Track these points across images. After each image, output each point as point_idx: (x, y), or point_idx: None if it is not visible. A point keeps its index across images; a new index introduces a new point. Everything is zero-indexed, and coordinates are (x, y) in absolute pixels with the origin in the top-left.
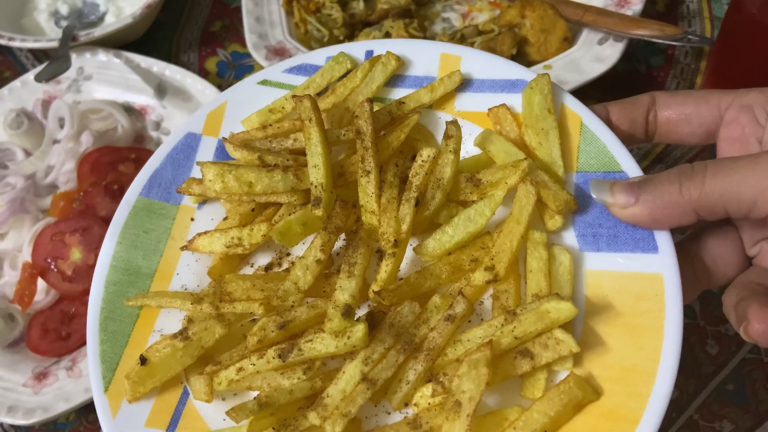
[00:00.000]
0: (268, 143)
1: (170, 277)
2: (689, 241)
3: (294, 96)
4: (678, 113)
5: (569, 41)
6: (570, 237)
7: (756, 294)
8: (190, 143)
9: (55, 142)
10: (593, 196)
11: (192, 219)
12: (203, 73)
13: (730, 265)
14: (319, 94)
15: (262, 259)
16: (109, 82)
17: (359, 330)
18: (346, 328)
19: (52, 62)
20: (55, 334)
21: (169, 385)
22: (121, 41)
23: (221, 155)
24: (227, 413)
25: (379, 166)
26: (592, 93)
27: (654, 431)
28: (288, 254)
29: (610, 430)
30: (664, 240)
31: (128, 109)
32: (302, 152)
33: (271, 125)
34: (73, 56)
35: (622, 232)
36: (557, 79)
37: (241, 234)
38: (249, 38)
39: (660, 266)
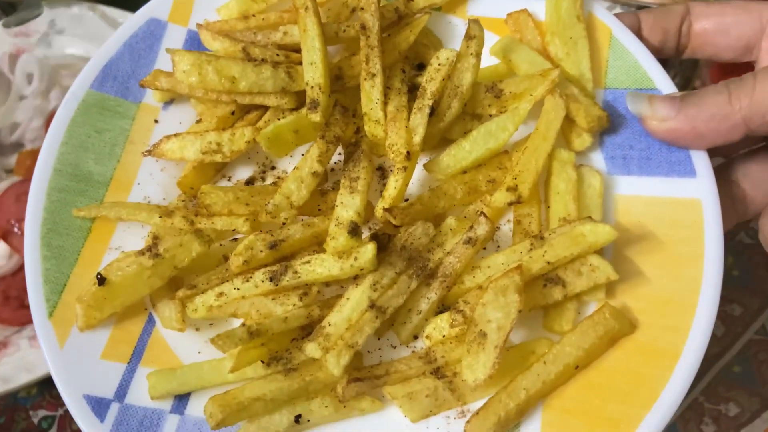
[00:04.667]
0: (252, 35)
1: (129, 187)
2: (726, 166)
3: None
4: (715, 23)
5: None
6: (597, 159)
7: None
8: (153, 31)
9: (22, 98)
10: (630, 107)
11: (156, 121)
12: None
13: None
14: None
15: (242, 173)
16: (83, 36)
17: (368, 250)
18: (353, 248)
19: (22, 8)
20: (17, 301)
21: (131, 311)
22: None
23: (192, 48)
24: (212, 341)
25: (384, 70)
26: None
27: (696, 367)
28: (272, 167)
29: (646, 365)
30: (701, 163)
31: None
32: (293, 48)
33: (254, 15)
34: (45, 9)
35: (656, 154)
36: None
37: (221, 138)
38: None
39: (698, 191)
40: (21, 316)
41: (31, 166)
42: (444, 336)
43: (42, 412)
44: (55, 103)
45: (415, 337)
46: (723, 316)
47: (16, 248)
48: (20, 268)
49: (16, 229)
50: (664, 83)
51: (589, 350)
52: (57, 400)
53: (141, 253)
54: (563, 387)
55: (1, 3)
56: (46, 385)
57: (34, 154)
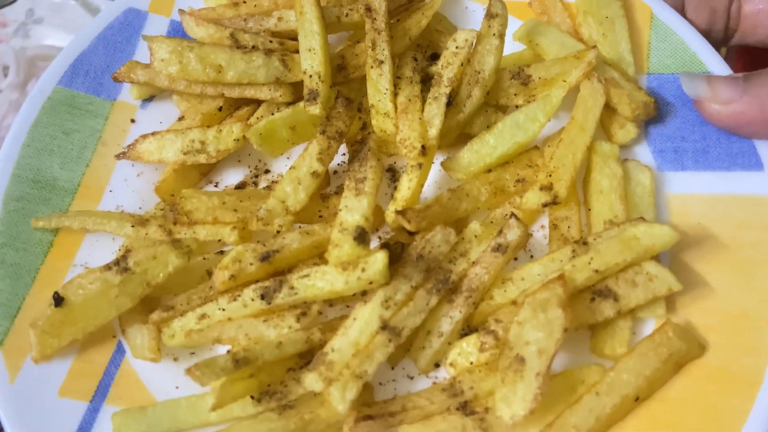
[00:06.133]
0: (242, 23)
1: (100, 195)
2: None
3: None
4: None
5: None
6: (644, 153)
7: None
8: (131, 22)
9: None
10: (685, 89)
11: (132, 120)
12: None
13: None
14: None
15: (230, 177)
16: (63, 27)
17: (378, 260)
18: (359, 258)
19: None
20: None
21: (95, 339)
22: None
23: None
24: (188, 372)
25: (394, 59)
26: None
27: None
28: (267, 170)
29: (721, 394)
30: None
31: None
32: (288, 36)
33: (244, 2)
34: None
35: (714, 145)
36: None
37: (206, 136)
38: None
39: (767, 186)
40: None
41: None
42: (472, 363)
43: None
44: None
45: (437, 365)
46: None
47: None
48: None
49: None
50: (718, 66)
51: (651, 378)
52: None
53: (107, 267)
54: (621, 423)
55: None
56: None
57: None
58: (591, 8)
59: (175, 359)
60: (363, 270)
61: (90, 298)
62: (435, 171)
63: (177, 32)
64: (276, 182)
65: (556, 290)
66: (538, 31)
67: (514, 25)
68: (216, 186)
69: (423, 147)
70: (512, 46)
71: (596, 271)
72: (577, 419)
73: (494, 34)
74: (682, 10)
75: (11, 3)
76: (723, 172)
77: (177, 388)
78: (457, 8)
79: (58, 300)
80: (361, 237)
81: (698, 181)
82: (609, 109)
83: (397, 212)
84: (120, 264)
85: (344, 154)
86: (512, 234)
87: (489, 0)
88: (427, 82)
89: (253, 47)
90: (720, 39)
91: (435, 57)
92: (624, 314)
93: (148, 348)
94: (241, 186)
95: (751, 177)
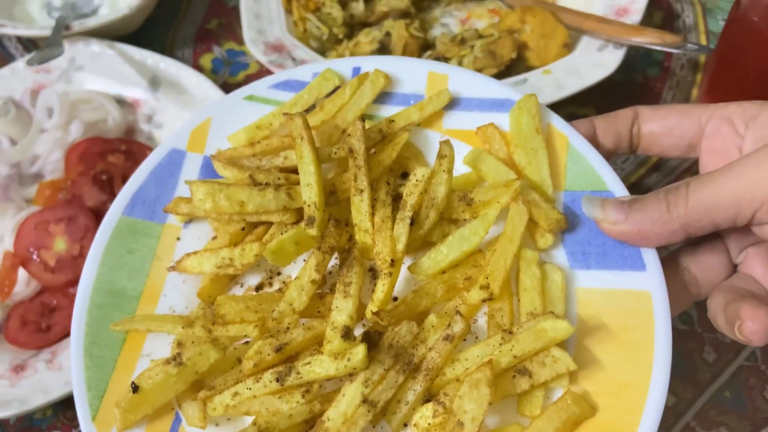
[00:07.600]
0: (257, 161)
1: (157, 299)
2: (678, 253)
3: (285, 114)
4: (660, 126)
5: (569, 47)
6: (560, 255)
7: (744, 296)
8: (174, 160)
9: (43, 131)
10: (585, 211)
11: (178, 238)
12: (198, 70)
13: (719, 275)
14: (307, 111)
15: (252, 279)
16: (101, 73)
17: (359, 352)
18: (346, 350)
19: (45, 47)
20: (34, 326)
21: (160, 411)
22: (115, 34)
23: (207, 172)
24: None
25: (371, 185)
26: (589, 102)
27: None
28: (278, 273)
29: None
30: (651, 258)
31: (120, 102)
32: (293, 170)
33: (259, 142)
34: (66, 46)
35: (611, 249)
36: (556, 83)
37: (233, 254)
38: (247, 34)
39: (648, 283)
40: (38, 340)
41: (51, 196)
42: (429, 424)
43: None
44: (74, 136)
45: (405, 425)
46: (715, 342)
47: (35, 274)
48: (38, 294)
49: (34, 257)
50: (616, 186)
51: None
52: (71, 422)
53: (167, 362)
54: None
55: (24, 41)
56: (61, 407)
57: (53, 184)
58: (520, 141)
59: (217, 424)
60: (348, 359)
61: (156, 385)
62: (404, 272)
63: (209, 166)
64: (285, 283)
65: (485, 372)
66: (480, 159)
67: (465, 150)
68: (241, 286)
69: (392, 260)
70: (463, 168)
71: (515, 356)
72: None
73: (444, 170)
74: (593, 135)
75: (58, 56)
76: (617, 270)
77: None
78: (421, 136)
79: (135, 387)
80: (347, 335)
81: (599, 278)
82: (532, 222)
83: (373, 313)
84: (176, 359)
85: (336, 258)
86: (457, 327)
87: (440, 144)
88: (398, 200)
89: (266, 184)
90: (628, 153)
91: (405, 175)
92: (537, 386)
93: (198, 418)
94: (260, 286)
95: (637, 275)
